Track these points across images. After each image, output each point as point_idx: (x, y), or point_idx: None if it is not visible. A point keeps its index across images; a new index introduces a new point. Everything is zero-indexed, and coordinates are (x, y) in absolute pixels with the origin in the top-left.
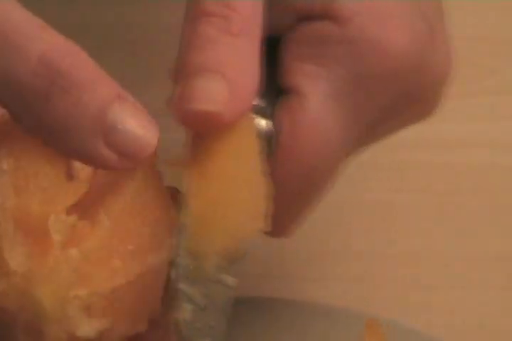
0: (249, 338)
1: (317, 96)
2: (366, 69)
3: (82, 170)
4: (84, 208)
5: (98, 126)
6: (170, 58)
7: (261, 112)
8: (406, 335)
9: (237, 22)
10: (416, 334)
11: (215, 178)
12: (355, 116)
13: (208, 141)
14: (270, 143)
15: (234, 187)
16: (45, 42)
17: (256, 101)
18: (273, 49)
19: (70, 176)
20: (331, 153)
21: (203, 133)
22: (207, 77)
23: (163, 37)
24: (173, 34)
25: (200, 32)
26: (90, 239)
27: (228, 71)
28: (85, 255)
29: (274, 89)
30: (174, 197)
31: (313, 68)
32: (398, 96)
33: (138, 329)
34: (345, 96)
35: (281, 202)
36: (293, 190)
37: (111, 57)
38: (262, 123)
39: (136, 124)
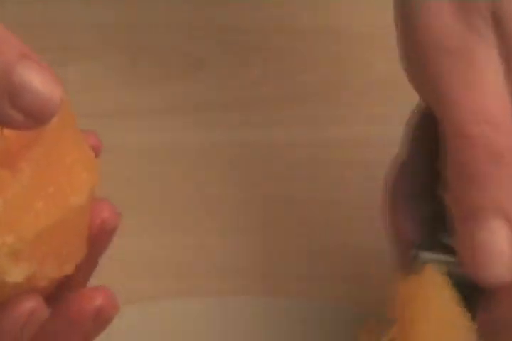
0: (247, 338)
1: None
2: None
3: None
4: (5, 159)
5: (3, 86)
6: (169, 58)
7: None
8: None
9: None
10: None
11: None
12: None
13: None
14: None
15: None
16: None
17: None
18: None
19: None
20: None
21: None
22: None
23: (165, 36)
24: (174, 34)
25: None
26: (11, 186)
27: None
28: (8, 202)
29: None
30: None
31: None
32: None
33: (65, 272)
34: None
35: None
36: None
37: (111, 57)
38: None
39: (41, 84)
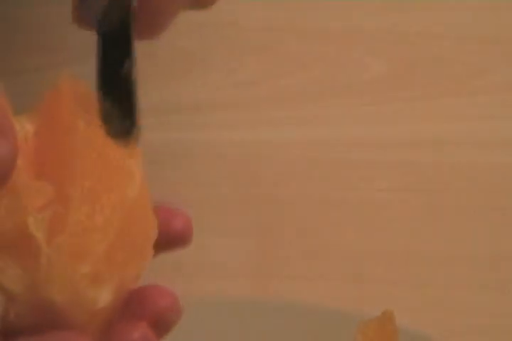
0: (245, 338)
1: None
2: None
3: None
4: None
5: None
6: (168, 58)
7: None
8: (405, 335)
9: None
10: (407, 333)
11: None
12: None
13: None
14: None
15: None
16: None
17: None
18: None
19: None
20: None
21: None
22: None
23: (164, 36)
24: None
25: None
26: (66, 216)
27: None
28: (69, 233)
29: None
30: None
31: None
32: None
33: (148, 259)
34: None
35: None
36: None
37: None
38: None
39: None
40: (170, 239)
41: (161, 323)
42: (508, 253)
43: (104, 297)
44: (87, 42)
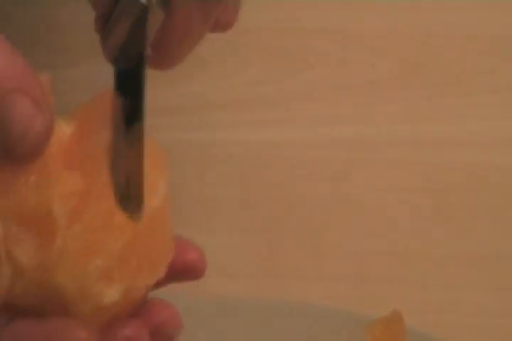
0: (248, 338)
1: None
2: None
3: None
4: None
5: None
6: None
7: None
8: (412, 335)
9: None
10: (413, 333)
11: None
12: None
13: None
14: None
15: None
16: None
17: None
18: None
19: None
20: None
21: None
22: None
23: None
24: None
25: None
26: (88, 208)
27: None
28: (88, 225)
29: None
30: None
31: None
32: None
33: (159, 275)
34: None
35: (173, 33)
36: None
37: None
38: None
39: (18, 122)
40: (183, 269)
41: (161, 335)
42: None
43: (111, 294)
44: (91, 44)
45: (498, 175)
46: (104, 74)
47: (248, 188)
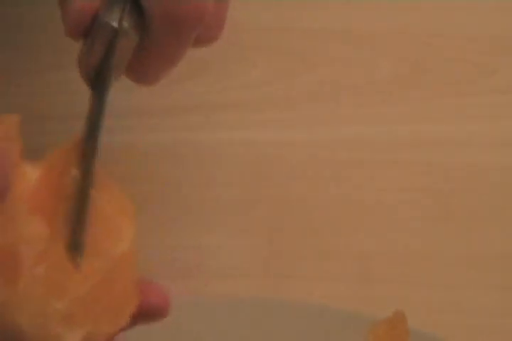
0: (248, 338)
1: None
2: None
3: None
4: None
5: None
6: None
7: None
8: (415, 336)
9: None
10: (416, 333)
11: None
12: None
13: None
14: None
15: None
16: None
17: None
18: None
19: None
20: None
21: None
22: None
23: None
24: None
25: None
26: (53, 252)
27: None
28: (51, 268)
29: None
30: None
31: None
32: None
33: (121, 325)
34: None
35: (147, 55)
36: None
37: None
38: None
39: None
40: (147, 311)
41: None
42: None
43: (69, 338)
44: None
45: (498, 175)
46: None
47: (248, 188)
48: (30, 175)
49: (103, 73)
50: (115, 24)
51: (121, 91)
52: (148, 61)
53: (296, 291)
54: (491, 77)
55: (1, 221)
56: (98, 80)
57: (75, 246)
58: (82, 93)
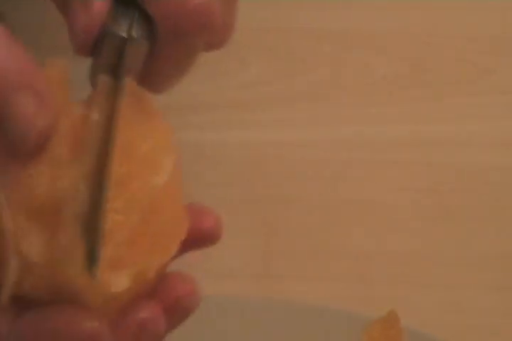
0: (247, 338)
1: None
2: None
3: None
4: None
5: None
6: None
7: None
8: (410, 336)
9: None
10: (415, 333)
11: None
12: None
13: None
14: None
15: None
16: None
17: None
18: None
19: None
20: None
21: None
22: None
23: None
24: None
25: None
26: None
27: None
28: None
29: None
30: None
31: None
32: None
33: (172, 253)
34: None
35: (157, 64)
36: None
37: None
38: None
39: (21, 120)
40: (199, 236)
41: (178, 311)
42: None
43: (121, 282)
44: None
45: (498, 175)
46: None
47: (247, 188)
48: (76, 116)
49: (115, 84)
50: (124, 34)
51: None
52: (159, 69)
53: (293, 291)
54: (491, 77)
55: (44, 169)
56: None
57: (91, 255)
58: (76, 94)
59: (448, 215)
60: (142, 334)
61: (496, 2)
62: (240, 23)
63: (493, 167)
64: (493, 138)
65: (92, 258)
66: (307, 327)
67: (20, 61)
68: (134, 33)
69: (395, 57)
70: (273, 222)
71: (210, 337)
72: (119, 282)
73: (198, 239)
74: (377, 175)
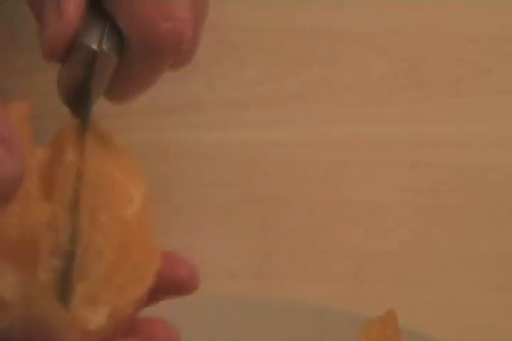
0: (246, 338)
1: None
2: None
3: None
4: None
5: None
6: None
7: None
8: (407, 335)
9: None
10: (415, 333)
11: None
12: None
13: None
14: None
15: None
16: None
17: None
18: None
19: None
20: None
21: None
22: None
23: None
24: None
25: None
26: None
27: None
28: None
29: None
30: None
31: None
32: None
33: (148, 285)
34: None
35: (123, 77)
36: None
37: None
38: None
39: None
40: (174, 285)
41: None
42: None
43: (98, 319)
44: None
45: (498, 175)
46: None
47: (246, 188)
48: (41, 158)
49: (83, 96)
50: (95, 47)
51: None
52: (125, 83)
53: (292, 291)
54: (491, 76)
55: (19, 209)
56: (78, 102)
57: (66, 291)
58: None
59: (448, 215)
60: None
61: (496, 2)
62: (235, 23)
63: (493, 167)
64: (493, 138)
65: (67, 293)
66: (306, 327)
67: None
68: (105, 46)
69: (394, 56)
70: (273, 222)
71: (210, 337)
72: (96, 319)
73: (173, 288)
74: (377, 175)
